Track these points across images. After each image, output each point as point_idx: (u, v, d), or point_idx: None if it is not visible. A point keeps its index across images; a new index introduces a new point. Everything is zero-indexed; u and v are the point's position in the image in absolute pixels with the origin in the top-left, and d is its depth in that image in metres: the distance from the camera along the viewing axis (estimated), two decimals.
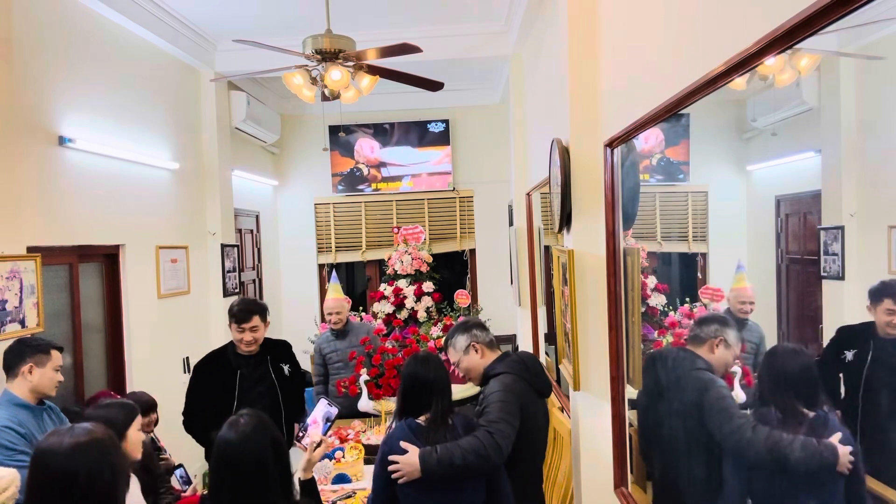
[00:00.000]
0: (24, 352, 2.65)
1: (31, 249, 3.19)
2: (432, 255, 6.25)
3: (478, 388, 5.57)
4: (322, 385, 4.56)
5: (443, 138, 7.04)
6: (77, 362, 3.74)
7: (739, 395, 1.64)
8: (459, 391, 5.41)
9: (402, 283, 5.95)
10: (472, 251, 7.14)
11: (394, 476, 2.28)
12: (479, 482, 2.37)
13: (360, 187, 7.08)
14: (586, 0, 2.63)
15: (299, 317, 6.84)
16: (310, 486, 2.30)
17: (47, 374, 2.65)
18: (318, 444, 2.43)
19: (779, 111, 1.37)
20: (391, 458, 2.30)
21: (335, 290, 4.77)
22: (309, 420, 2.99)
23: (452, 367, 2.83)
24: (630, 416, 2.34)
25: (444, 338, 2.90)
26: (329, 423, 2.86)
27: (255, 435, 1.85)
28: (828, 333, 1.23)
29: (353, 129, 7.01)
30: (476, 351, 2.74)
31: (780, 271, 1.40)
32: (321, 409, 2.91)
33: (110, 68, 4.03)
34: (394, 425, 2.45)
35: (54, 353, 2.70)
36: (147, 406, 3.44)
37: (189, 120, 5.04)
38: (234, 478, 1.82)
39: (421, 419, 2.38)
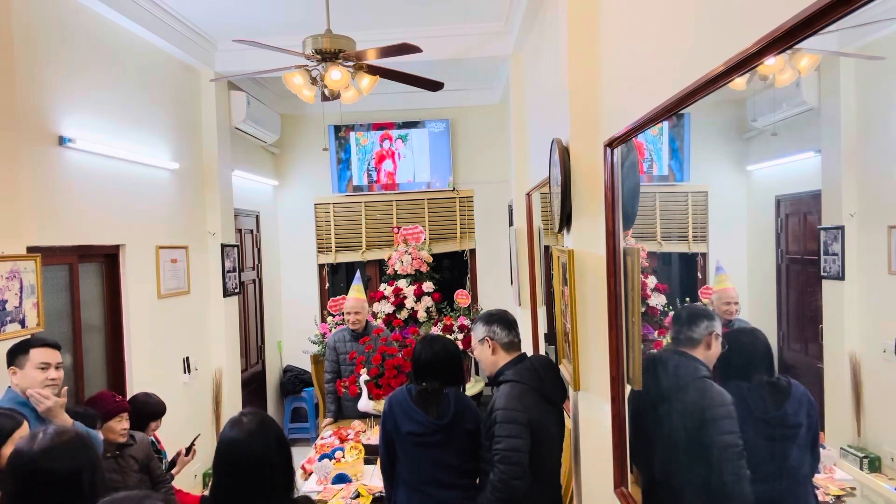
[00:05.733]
0: (10, 354, 2.65)
1: (31, 249, 3.19)
2: (432, 255, 6.26)
3: (478, 388, 5.56)
4: (332, 383, 4.57)
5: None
6: (77, 362, 3.74)
7: None
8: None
9: (402, 283, 5.96)
10: (472, 251, 7.14)
11: None
12: (465, 438, 2.79)
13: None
14: (586, 0, 2.63)
15: (300, 317, 6.85)
16: None
17: (28, 375, 2.60)
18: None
19: (779, 111, 1.37)
20: None
21: (357, 290, 4.77)
22: None
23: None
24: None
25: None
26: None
27: (260, 433, 1.84)
28: (828, 333, 1.23)
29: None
30: (489, 346, 2.73)
31: (780, 271, 1.40)
32: None
33: (110, 68, 4.03)
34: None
35: (33, 352, 2.62)
36: (160, 411, 3.45)
37: (189, 120, 5.04)
38: (239, 476, 1.80)
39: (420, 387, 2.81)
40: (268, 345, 6.72)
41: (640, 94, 2.05)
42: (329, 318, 5.97)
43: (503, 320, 2.77)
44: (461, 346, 5.36)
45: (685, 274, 2.05)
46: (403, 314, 5.87)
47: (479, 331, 2.79)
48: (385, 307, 5.92)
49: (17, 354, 2.63)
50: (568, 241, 2.82)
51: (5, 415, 2.26)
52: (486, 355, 2.76)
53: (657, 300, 2.21)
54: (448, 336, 5.40)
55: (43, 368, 2.62)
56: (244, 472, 1.80)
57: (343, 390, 4.43)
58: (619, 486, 2.39)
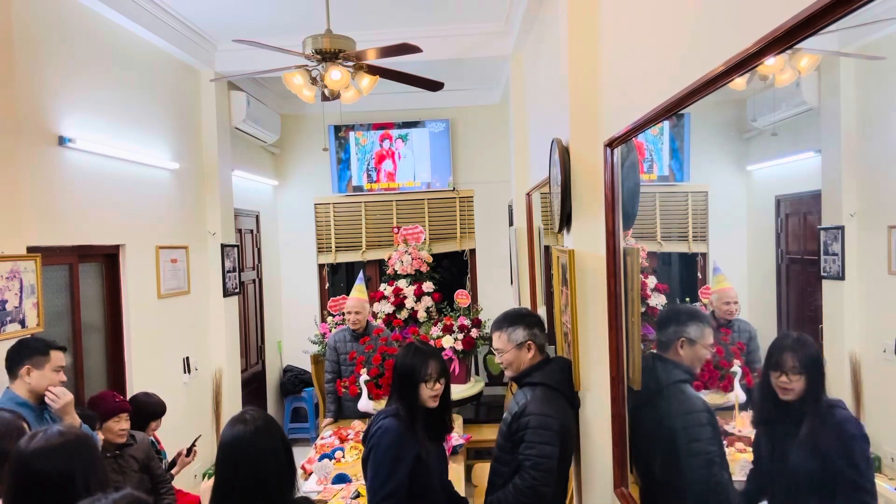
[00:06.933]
0: (23, 353, 2.65)
1: (31, 249, 3.19)
2: (432, 255, 6.26)
3: (478, 388, 5.54)
4: (332, 383, 4.57)
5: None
6: (77, 362, 3.74)
7: (740, 395, 1.64)
8: (460, 391, 5.42)
9: (402, 283, 5.95)
10: (472, 251, 7.14)
11: None
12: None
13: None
14: (586, 0, 2.63)
15: (300, 317, 6.85)
16: None
17: (46, 376, 2.64)
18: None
19: (779, 111, 1.37)
20: None
21: (359, 290, 4.78)
22: None
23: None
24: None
25: (494, 320, 2.78)
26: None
27: (266, 431, 1.85)
28: (828, 333, 1.23)
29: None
30: (529, 350, 2.67)
31: (780, 271, 1.40)
32: None
33: (110, 68, 4.03)
34: None
35: (53, 353, 2.69)
36: (160, 411, 3.44)
37: (189, 120, 5.04)
38: (243, 473, 1.80)
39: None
40: (268, 345, 6.72)
41: (640, 94, 2.05)
42: (329, 318, 5.97)
43: (540, 322, 2.70)
44: (461, 347, 5.34)
45: (685, 274, 2.06)
46: (403, 314, 5.86)
47: (518, 334, 2.66)
48: (385, 307, 5.91)
49: (34, 355, 2.64)
50: (568, 241, 2.82)
51: (7, 434, 2.25)
52: (525, 359, 2.66)
53: (657, 300, 2.21)
54: (448, 335, 5.40)
55: (58, 371, 2.69)
56: (248, 470, 1.80)
57: (343, 390, 4.43)
58: (619, 486, 2.39)
